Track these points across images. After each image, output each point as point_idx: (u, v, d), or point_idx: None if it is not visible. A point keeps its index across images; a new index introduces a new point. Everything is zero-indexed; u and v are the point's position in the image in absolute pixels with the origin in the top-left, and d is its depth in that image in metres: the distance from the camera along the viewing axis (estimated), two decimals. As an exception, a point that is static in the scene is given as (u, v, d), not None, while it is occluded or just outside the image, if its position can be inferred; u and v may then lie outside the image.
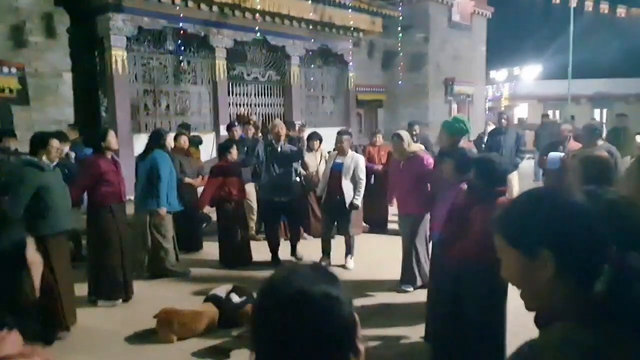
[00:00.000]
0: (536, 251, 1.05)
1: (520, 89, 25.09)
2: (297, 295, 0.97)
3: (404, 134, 5.43)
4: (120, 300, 5.09)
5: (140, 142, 7.65)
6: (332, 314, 0.97)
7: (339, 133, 6.41)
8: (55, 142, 4.37)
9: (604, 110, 24.42)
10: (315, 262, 1.08)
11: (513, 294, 1.40)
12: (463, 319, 3.50)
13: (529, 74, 25.29)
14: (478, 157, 3.90)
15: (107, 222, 4.96)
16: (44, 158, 4.30)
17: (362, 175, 6.09)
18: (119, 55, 8.48)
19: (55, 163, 4.45)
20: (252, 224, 7.62)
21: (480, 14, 17.67)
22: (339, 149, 6.21)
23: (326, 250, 6.24)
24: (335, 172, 6.05)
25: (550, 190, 1.15)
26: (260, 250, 6.56)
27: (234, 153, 6.34)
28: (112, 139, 5.04)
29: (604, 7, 17.31)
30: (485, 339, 3.44)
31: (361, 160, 6.19)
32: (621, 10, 17.38)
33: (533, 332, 1.09)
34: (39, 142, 4.34)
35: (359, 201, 6.06)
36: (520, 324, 2.87)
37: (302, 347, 0.95)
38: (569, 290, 1.03)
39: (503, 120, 8.36)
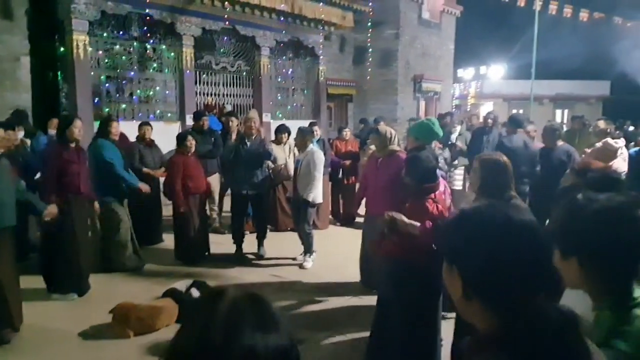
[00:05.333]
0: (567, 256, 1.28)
1: (487, 88, 25.54)
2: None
3: (383, 129, 4.98)
4: (75, 295, 4.86)
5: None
6: None
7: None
8: None
9: (566, 111, 25.14)
10: (253, 294, 0.86)
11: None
12: (392, 320, 3.38)
13: (495, 73, 25.76)
14: (408, 156, 3.88)
15: (62, 213, 4.63)
16: None
17: (316, 171, 5.81)
18: (80, 39, 8.15)
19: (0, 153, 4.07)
20: (215, 215, 7.49)
21: (449, 12, 17.84)
22: (297, 145, 6.15)
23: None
24: (296, 168, 6.02)
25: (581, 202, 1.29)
26: (222, 244, 6.45)
27: (192, 143, 6.09)
28: (75, 128, 4.80)
29: (567, 11, 17.76)
30: (415, 343, 3.31)
31: (316, 156, 5.89)
32: (584, 15, 17.85)
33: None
34: None
35: (310, 197, 5.81)
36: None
37: None
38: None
39: (489, 120, 8.00)
